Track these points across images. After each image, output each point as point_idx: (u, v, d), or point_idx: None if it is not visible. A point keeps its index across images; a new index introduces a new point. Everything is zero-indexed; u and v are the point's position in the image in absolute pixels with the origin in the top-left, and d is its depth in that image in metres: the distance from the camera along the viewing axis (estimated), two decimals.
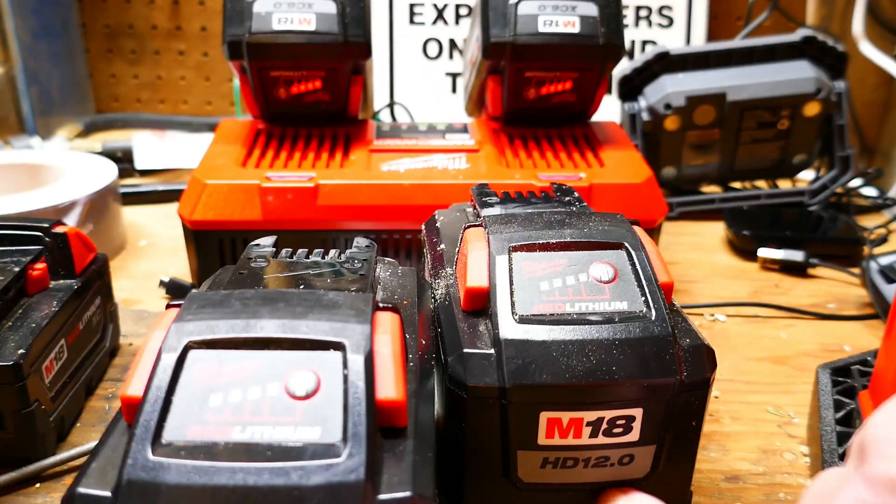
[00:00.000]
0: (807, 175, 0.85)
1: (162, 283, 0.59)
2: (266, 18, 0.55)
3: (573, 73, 0.60)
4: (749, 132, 0.75)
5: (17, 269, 0.40)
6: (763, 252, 0.66)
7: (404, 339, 0.28)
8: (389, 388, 0.24)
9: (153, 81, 1.13)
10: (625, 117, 0.76)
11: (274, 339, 0.25)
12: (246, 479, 0.22)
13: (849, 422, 0.39)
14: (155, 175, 0.87)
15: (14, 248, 0.42)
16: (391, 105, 0.97)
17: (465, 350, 0.29)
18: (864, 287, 0.62)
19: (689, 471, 0.32)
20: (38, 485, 0.37)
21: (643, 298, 0.30)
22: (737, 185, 0.83)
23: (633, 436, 0.29)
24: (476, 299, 0.31)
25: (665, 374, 0.29)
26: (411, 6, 0.96)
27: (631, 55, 0.99)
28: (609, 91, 0.74)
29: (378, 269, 0.37)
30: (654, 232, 0.56)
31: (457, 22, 0.97)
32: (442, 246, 0.38)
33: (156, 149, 0.88)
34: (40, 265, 0.42)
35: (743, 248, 0.69)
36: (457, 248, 0.36)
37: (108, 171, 0.67)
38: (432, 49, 0.98)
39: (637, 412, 0.29)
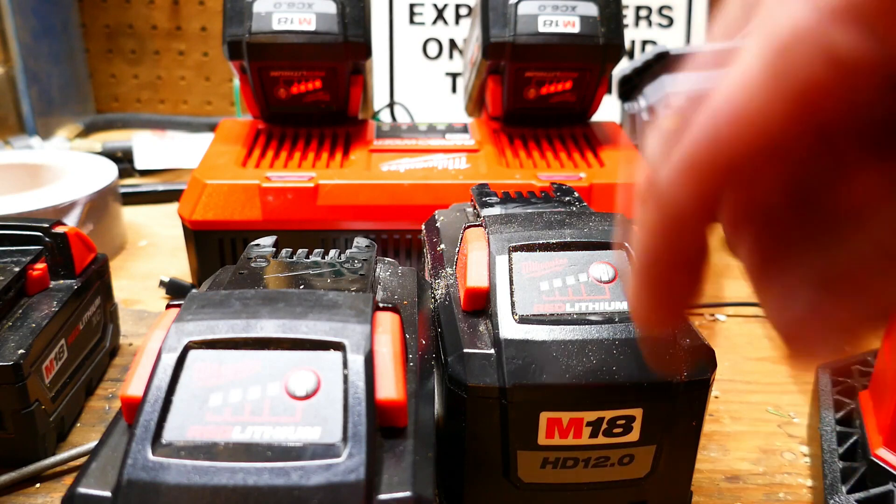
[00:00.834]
0: None
1: (162, 283, 0.59)
2: (266, 18, 0.55)
3: (573, 73, 0.60)
4: None
5: (17, 269, 0.40)
6: None
7: (404, 339, 0.28)
8: (389, 388, 0.24)
9: (153, 81, 1.13)
10: (625, 117, 0.76)
11: (274, 339, 0.25)
12: (246, 479, 0.22)
13: (849, 422, 0.38)
14: (155, 175, 0.87)
15: (14, 248, 0.42)
16: (391, 105, 0.97)
17: (465, 350, 0.29)
18: None
19: (690, 471, 0.32)
20: (38, 485, 0.37)
21: None
22: None
23: (633, 436, 0.29)
24: (476, 299, 0.31)
25: (664, 375, 0.29)
26: (411, 6, 0.96)
27: (631, 55, 0.99)
28: (609, 91, 0.74)
29: (378, 269, 0.37)
30: None
31: (457, 22, 0.97)
32: (442, 246, 0.38)
33: (156, 149, 0.88)
34: (40, 265, 0.42)
35: None
36: (457, 248, 0.36)
37: (108, 171, 0.67)
38: (432, 49, 0.98)
39: (637, 412, 0.29)
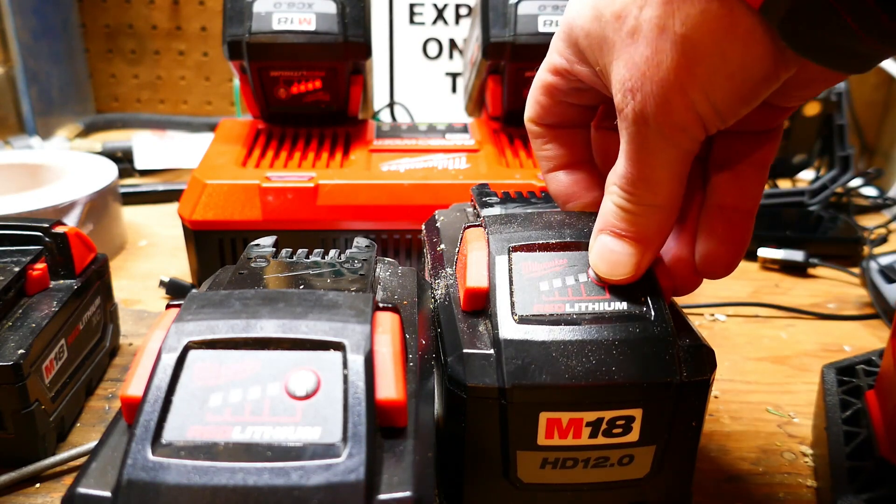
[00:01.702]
0: (807, 175, 0.85)
1: (162, 283, 0.59)
2: (266, 18, 0.55)
3: None
4: None
5: (17, 269, 0.40)
6: (763, 252, 0.66)
7: (404, 339, 0.28)
8: (389, 388, 0.24)
9: (153, 81, 1.13)
10: None
11: (274, 339, 0.25)
12: (246, 479, 0.22)
13: (856, 421, 0.38)
14: (155, 175, 0.87)
15: (14, 248, 0.42)
16: (391, 105, 0.97)
17: (465, 350, 0.29)
18: (864, 287, 0.62)
19: (690, 471, 0.32)
20: (38, 485, 0.37)
21: (643, 299, 0.30)
22: None
23: (633, 436, 0.29)
24: (476, 299, 0.31)
25: (664, 375, 0.29)
26: (411, 6, 0.96)
27: None
28: None
29: (378, 269, 0.37)
30: None
31: (457, 22, 0.97)
32: (442, 246, 0.38)
33: (156, 149, 0.88)
34: (40, 265, 0.42)
35: None
36: (456, 249, 0.36)
37: (108, 171, 0.67)
38: (432, 49, 0.98)
39: (637, 413, 0.29)
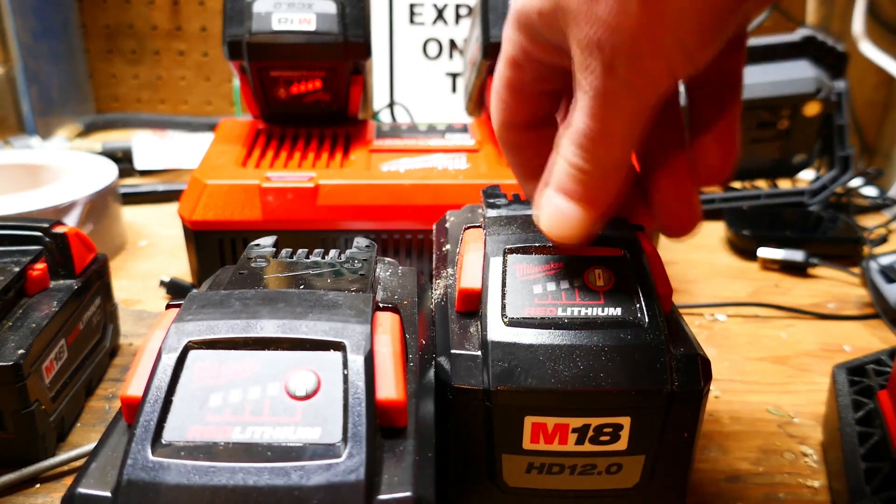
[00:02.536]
0: (807, 175, 0.85)
1: (162, 283, 0.59)
2: (266, 18, 0.55)
3: None
4: (749, 132, 0.75)
5: (16, 269, 0.40)
6: (763, 252, 0.66)
7: (404, 339, 0.28)
8: (389, 388, 0.24)
9: (153, 81, 1.13)
10: None
11: (274, 340, 0.25)
12: (246, 479, 0.22)
13: (868, 422, 0.38)
14: (155, 175, 0.87)
15: (14, 248, 0.42)
16: (391, 105, 0.97)
17: (453, 351, 0.29)
18: (865, 287, 0.62)
19: (683, 483, 0.31)
20: (37, 485, 0.37)
21: (638, 305, 0.30)
22: (737, 184, 0.83)
23: (621, 444, 0.29)
24: (469, 300, 0.31)
25: (654, 383, 0.28)
26: (411, 6, 0.96)
27: None
28: None
29: (378, 269, 0.37)
30: (653, 232, 0.56)
31: (457, 22, 0.97)
32: (447, 246, 0.38)
33: (156, 149, 0.88)
34: (40, 265, 0.42)
35: (743, 248, 0.69)
36: (457, 249, 0.36)
37: (108, 171, 0.67)
38: (432, 49, 0.98)
39: (625, 421, 0.29)
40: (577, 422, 0.29)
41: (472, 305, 0.31)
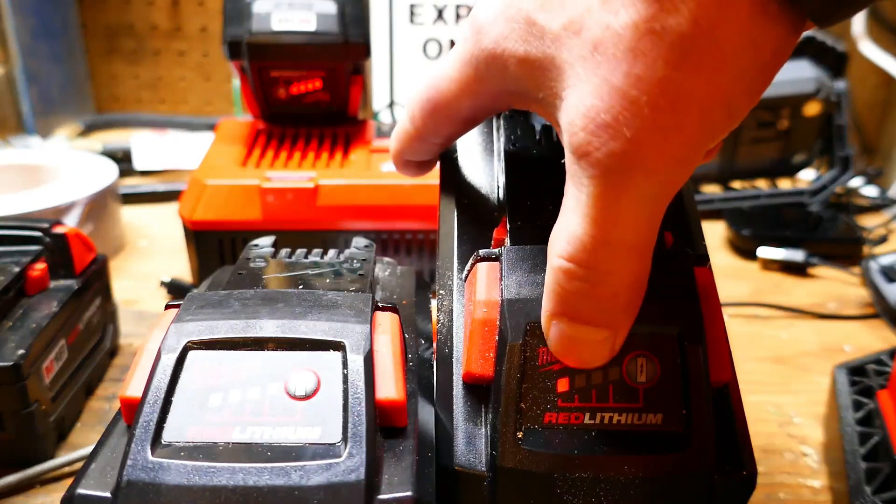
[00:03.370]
0: (807, 175, 0.85)
1: (162, 283, 0.59)
2: (266, 18, 0.55)
3: None
4: (749, 132, 0.75)
5: (16, 269, 0.40)
6: (763, 252, 0.66)
7: (404, 339, 0.28)
8: (389, 388, 0.24)
9: (153, 81, 1.13)
10: None
11: (273, 340, 0.25)
12: (246, 479, 0.22)
13: (869, 422, 0.38)
14: (155, 175, 0.87)
15: (14, 248, 0.42)
16: (391, 105, 0.97)
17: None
18: (865, 287, 0.62)
19: None
20: (37, 486, 0.37)
21: (683, 411, 0.24)
22: (737, 184, 0.83)
23: None
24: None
25: None
26: (411, 6, 0.96)
27: None
28: None
29: (377, 269, 0.37)
30: None
31: (457, 22, 0.97)
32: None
33: (156, 149, 0.88)
34: (40, 265, 0.42)
35: (743, 248, 0.69)
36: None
37: (108, 171, 0.67)
38: (432, 49, 0.98)
39: None
40: None
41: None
